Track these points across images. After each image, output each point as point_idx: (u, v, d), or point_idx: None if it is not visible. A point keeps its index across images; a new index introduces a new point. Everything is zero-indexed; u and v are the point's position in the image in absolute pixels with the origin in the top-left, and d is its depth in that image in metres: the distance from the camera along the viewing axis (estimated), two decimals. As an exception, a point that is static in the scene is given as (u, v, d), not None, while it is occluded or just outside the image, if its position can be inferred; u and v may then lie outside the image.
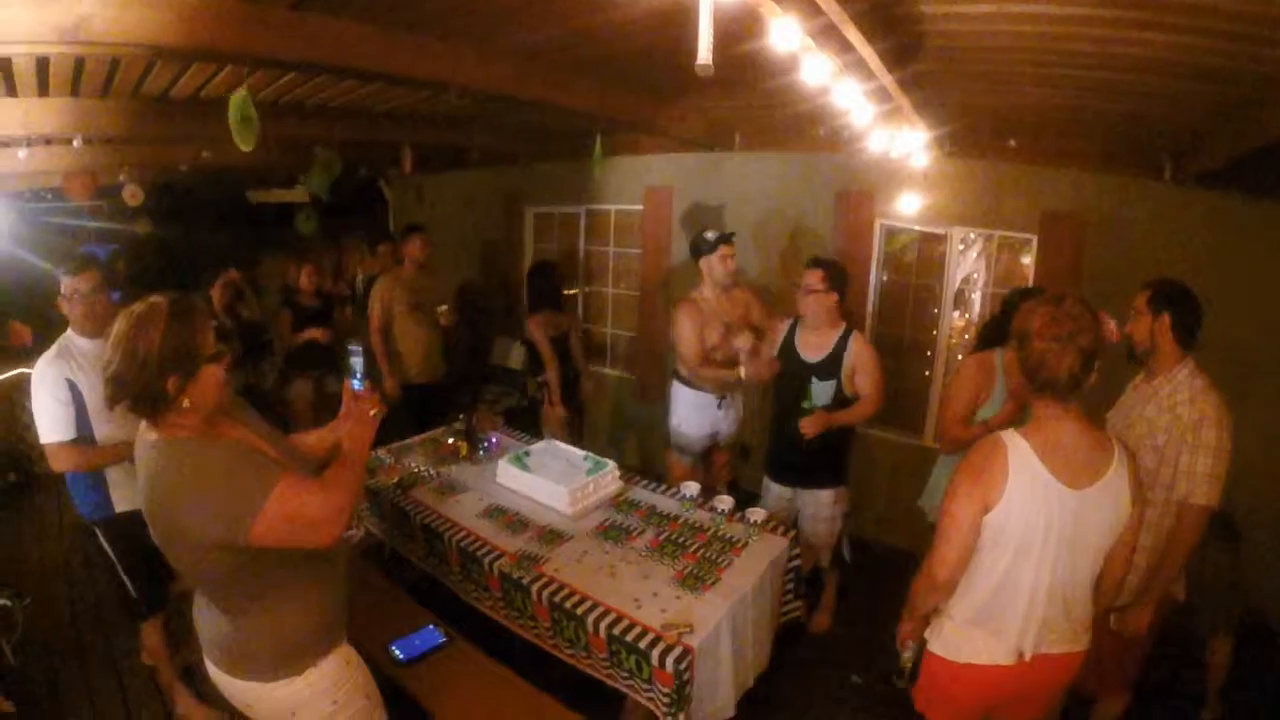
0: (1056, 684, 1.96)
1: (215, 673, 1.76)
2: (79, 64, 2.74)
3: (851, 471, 3.61)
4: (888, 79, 2.42)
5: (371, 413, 1.87)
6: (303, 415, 5.23)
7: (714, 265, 3.71)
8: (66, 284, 2.63)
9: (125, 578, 2.82)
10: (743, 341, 3.56)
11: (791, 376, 3.41)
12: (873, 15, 2.13)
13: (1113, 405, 2.57)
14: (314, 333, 5.17)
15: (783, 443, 3.49)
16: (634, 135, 5.13)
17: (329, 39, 2.42)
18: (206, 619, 1.75)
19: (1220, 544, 2.89)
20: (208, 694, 2.85)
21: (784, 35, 1.89)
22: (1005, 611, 1.82)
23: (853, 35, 2.06)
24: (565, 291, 6.55)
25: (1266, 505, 3.34)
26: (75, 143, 3.53)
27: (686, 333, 3.71)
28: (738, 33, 2.28)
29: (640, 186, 5.73)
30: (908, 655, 2.18)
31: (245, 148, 2.59)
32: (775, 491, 3.57)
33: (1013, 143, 3.98)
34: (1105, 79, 2.60)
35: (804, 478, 3.50)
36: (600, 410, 6.27)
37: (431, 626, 2.69)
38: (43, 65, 2.71)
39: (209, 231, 7.25)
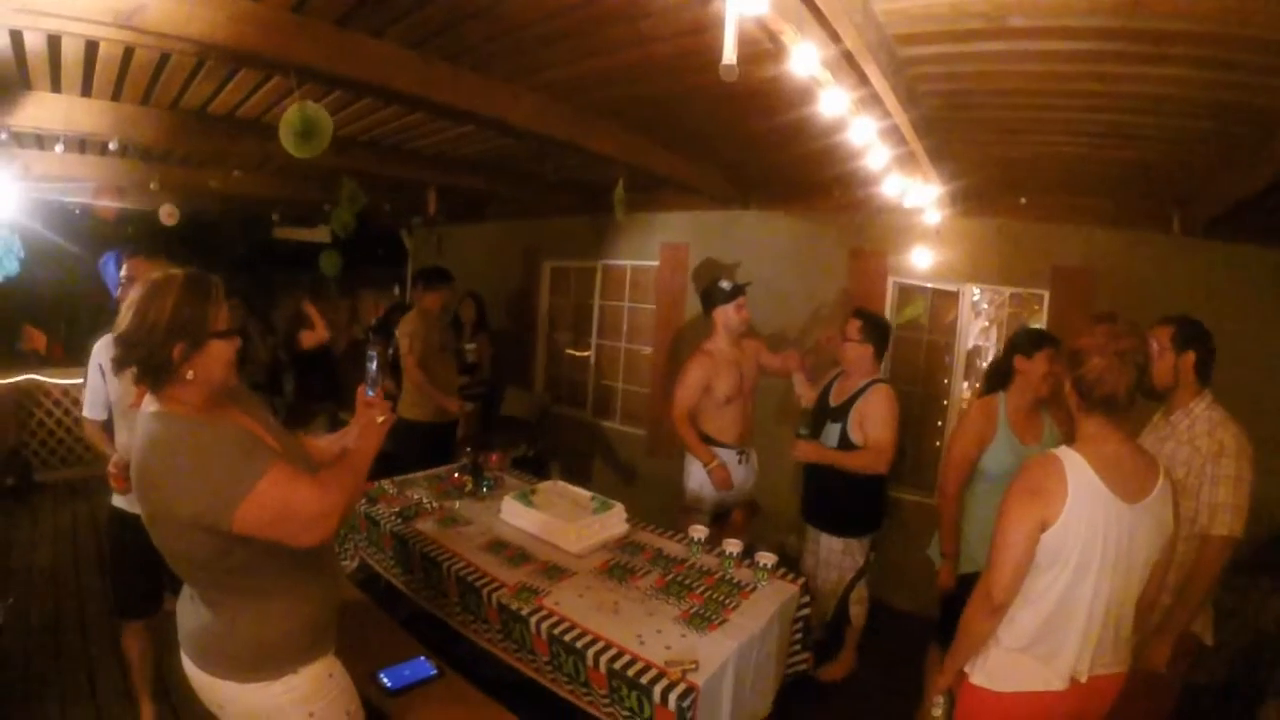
0: (1104, 707, 1.88)
1: (189, 668, 1.69)
2: (126, 60, 2.80)
3: (883, 534, 3.64)
4: (902, 118, 2.49)
5: (380, 419, 1.85)
6: None
7: (729, 315, 3.73)
8: (129, 265, 2.59)
9: (110, 565, 2.83)
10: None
11: (814, 417, 3.50)
12: (886, 51, 2.19)
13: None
14: (311, 336, 5.16)
15: (803, 482, 3.66)
16: (651, 193, 5.24)
17: (370, 58, 2.50)
18: (188, 610, 1.69)
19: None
20: (180, 705, 2.86)
21: (803, 60, 1.96)
22: (1063, 633, 1.77)
23: (870, 68, 2.12)
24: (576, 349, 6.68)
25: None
26: (111, 145, 3.60)
27: (689, 382, 3.69)
28: (759, 55, 2.37)
29: (656, 243, 5.85)
30: (939, 710, 2.06)
31: (307, 155, 2.62)
32: (807, 530, 3.65)
33: (1024, 200, 4.05)
34: (1112, 121, 2.66)
35: (813, 518, 3.55)
36: (609, 464, 6.23)
37: (423, 658, 2.60)
38: (90, 57, 2.77)
39: (229, 269, 7.20)
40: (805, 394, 3.77)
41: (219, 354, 1.58)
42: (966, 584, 2.92)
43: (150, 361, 1.50)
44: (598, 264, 6.49)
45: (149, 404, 1.56)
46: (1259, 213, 3.03)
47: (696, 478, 3.80)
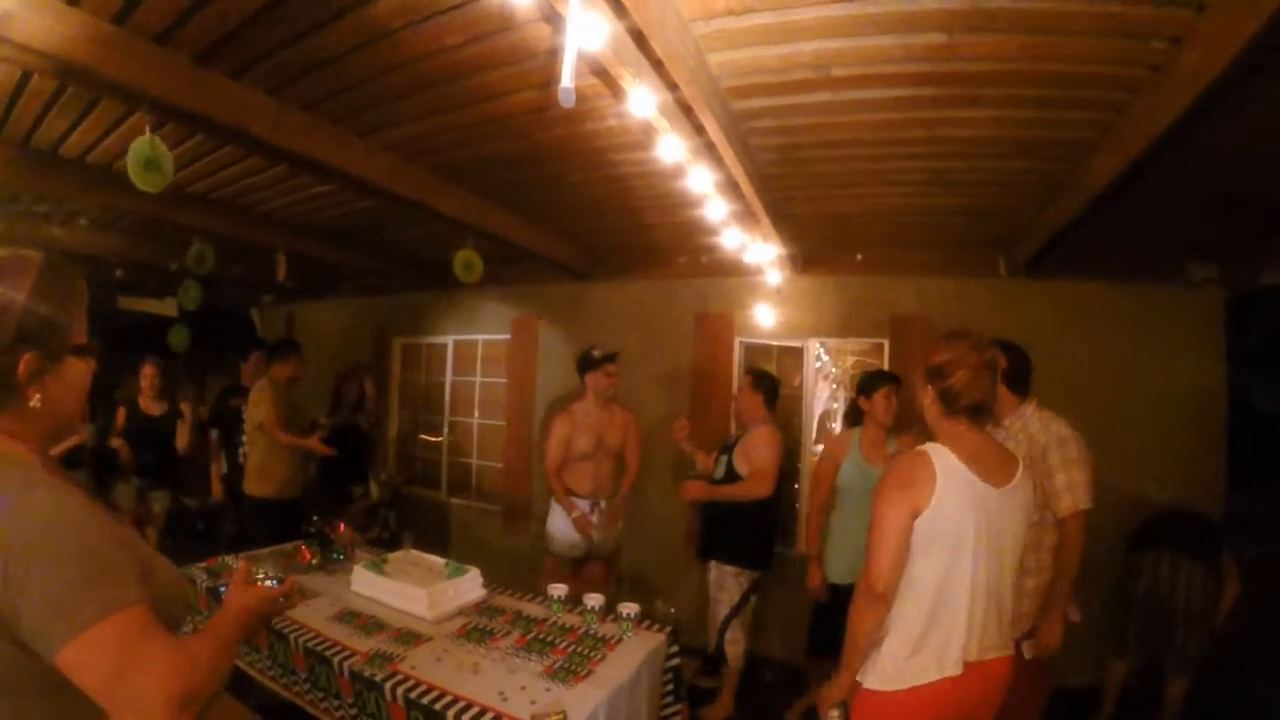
0: (995, 694, 1.94)
1: None
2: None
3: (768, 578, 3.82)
4: (738, 170, 2.69)
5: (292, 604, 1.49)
6: None
7: (598, 381, 4.03)
8: None
9: None
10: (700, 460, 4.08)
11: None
12: (720, 102, 2.39)
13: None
14: None
15: (700, 521, 4.04)
16: (503, 267, 5.26)
17: (228, 98, 2.46)
18: None
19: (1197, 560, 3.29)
20: None
21: (640, 103, 2.10)
22: (951, 618, 1.83)
23: (705, 118, 2.30)
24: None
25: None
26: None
27: (554, 438, 4.04)
28: (600, 110, 2.51)
29: (507, 316, 5.89)
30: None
31: (150, 189, 2.53)
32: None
33: (859, 256, 4.46)
34: (936, 169, 2.97)
35: (704, 549, 3.86)
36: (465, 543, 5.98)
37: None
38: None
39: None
40: (700, 458, 4.07)
41: (76, 379, 1.16)
42: (838, 595, 3.24)
43: None
44: (449, 339, 6.44)
45: None
46: (1071, 248, 3.50)
47: (558, 524, 4.09)
